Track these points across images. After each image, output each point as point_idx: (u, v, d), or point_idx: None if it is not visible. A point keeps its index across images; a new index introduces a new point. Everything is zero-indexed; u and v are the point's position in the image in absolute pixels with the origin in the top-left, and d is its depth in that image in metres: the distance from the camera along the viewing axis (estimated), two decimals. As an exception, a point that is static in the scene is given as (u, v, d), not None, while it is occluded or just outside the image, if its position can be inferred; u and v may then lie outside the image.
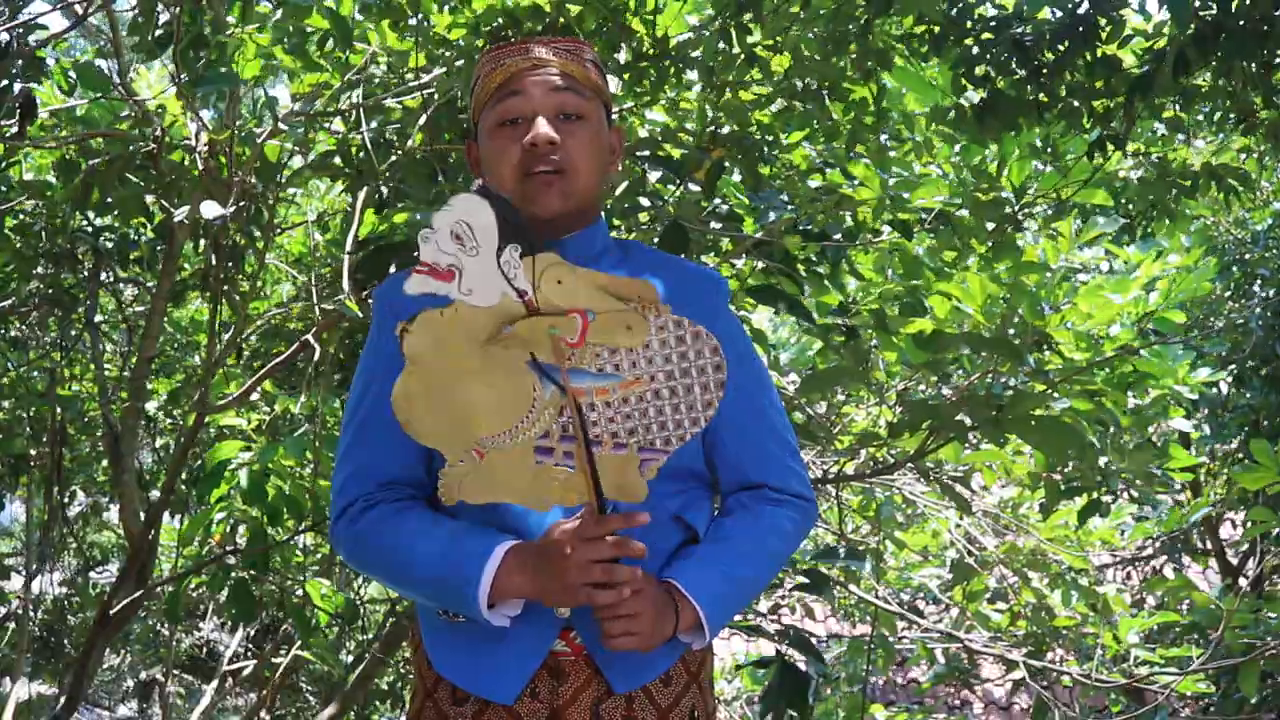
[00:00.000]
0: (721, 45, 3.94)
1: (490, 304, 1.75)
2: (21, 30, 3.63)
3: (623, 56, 3.98)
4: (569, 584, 1.80)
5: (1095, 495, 4.23)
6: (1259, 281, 7.67)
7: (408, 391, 1.78)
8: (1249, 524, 4.77)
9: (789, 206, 3.44)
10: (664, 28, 4.12)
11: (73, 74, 4.17)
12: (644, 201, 3.62)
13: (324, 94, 4.10)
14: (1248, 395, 7.36)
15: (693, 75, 4.19)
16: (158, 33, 3.76)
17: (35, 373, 5.56)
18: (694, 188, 3.59)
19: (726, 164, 3.58)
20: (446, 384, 1.77)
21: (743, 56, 3.93)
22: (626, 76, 3.96)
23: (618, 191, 3.58)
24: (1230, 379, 7.45)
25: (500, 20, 3.82)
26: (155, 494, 5.78)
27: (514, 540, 1.87)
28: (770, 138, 4.06)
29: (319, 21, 3.88)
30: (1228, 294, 7.78)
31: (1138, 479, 4.06)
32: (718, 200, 3.76)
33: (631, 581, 1.81)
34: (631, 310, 1.78)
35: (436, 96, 3.79)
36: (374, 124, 3.91)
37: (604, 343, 1.78)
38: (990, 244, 4.00)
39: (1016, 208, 3.95)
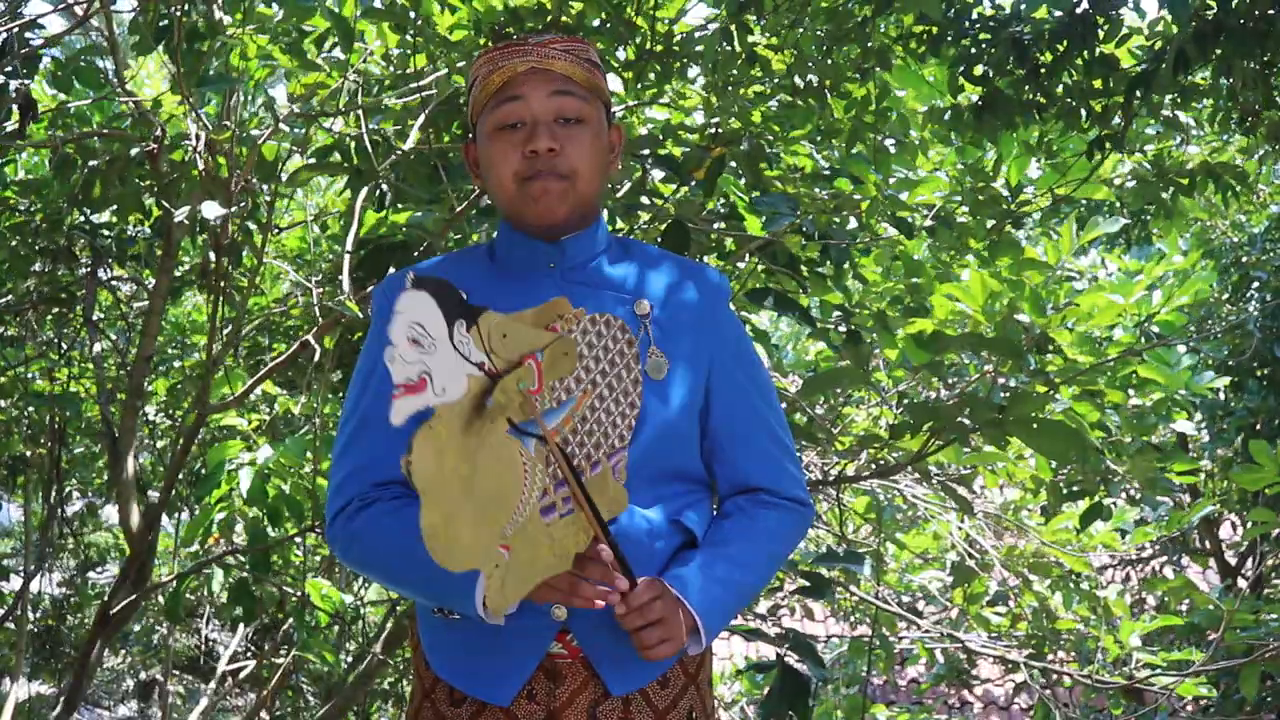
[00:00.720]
0: (723, 44, 3.94)
1: (462, 393, 1.75)
2: (19, 29, 3.62)
3: (626, 53, 3.97)
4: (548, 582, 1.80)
5: (1097, 499, 4.23)
6: (1256, 285, 7.68)
7: (432, 527, 1.75)
8: (1249, 525, 4.76)
9: (795, 212, 3.43)
10: (667, 23, 4.13)
11: (67, 72, 4.16)
12: (644, 200, 3.62)
13: (320, 93, 4.10)
14: (1245, 398, 7.36)
15: (695, 72, 4.19)
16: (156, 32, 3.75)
17: (32, 373, 5.55)
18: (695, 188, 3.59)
19: (732, 163, 3.57)
20: (461, 498, 1.76)
21: (743, 55, 3.92)
22: (628, 75, 3.96)
23: (620, 192, 3.57)
24: (1229, 382, 7.45)
25: (502, 18, 3.81)
26: (154, 495, 5.78)
27: None
28: (771, 137, 4.06)
29: (319, 21, 3.88)
30: (1225, 297, 7.78)
31: (1140, 483, 4.05)
32: (719, 200, 3.76)
33: (642, 589, 1.83)
34: (564, 336, 1.80)
35: (436, 96, 3.78)
36: (374, 123, 3.91)
37: (555, 376, 1.80)
38: (989, 242, 4.00)
39: (1013, 204, 3.94)
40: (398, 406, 1.72)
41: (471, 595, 1.83)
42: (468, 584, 1.83)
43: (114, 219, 4.73)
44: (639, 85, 4.05)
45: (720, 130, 3.79)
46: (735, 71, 3.98)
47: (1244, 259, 7.78)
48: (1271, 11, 3.85)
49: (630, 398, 1.84)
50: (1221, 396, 7.53)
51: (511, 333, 1.78)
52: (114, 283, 5.36)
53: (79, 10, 3.92)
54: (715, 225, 3.61)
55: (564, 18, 3.78)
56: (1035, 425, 3.35)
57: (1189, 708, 6.48)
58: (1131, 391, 3.91)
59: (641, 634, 1.82)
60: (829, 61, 4.14)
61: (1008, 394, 3.57)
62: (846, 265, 3.84)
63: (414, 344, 1.73)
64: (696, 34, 4.09)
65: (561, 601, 1.82)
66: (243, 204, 3.85)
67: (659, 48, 4.01)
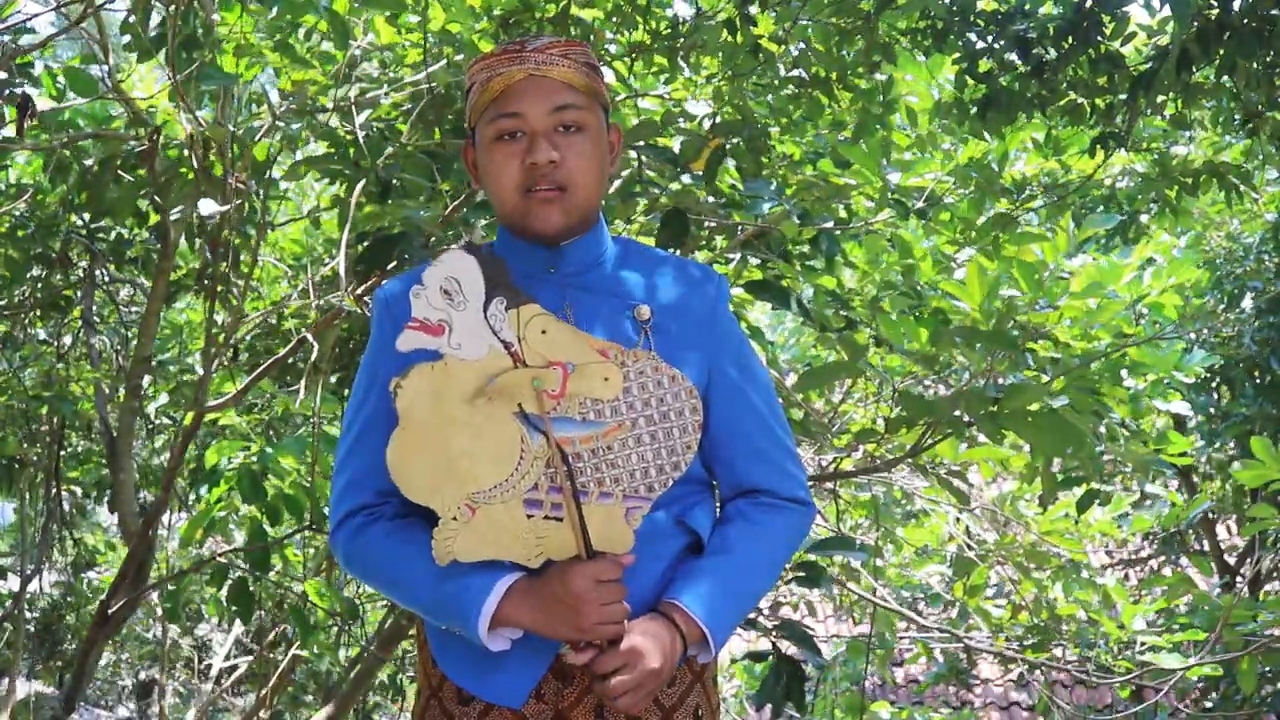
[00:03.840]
0: (727, 35, 3.94)
1: (479, 357, 1.82)
2: (11, 35, 3.63)
3: (624, 39, 3.97)
4: (583, 626, 1.83)
5: (1092, 486, 4.23)
6: (1250, 295, 7.68)
7: (402, 448, 1.84)
8: (1248, 522, 4.77)
9: (780, 198, 3.43)
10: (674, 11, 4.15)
11: (61, 79, 4.17)
12: (639, 191, 3.61)
13: (312, 89, 4.10)
14: (1243, 402, 7.37)
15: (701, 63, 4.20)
16: (152, 34, 3.76)
17: (29, 372, 5.55)
18: (688, 179, 3.59)
19: (727, 150, 3.57)
20: (439, 438, 1.83)
21: (748, 48, 3.93)
22: (626, 65, 3.96)
23: (615, 185, 3.57)
24: (1224, 385, 7.47)
25: (510, 6, 3.81)
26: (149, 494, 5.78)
27: (516, 576, 1.88)
28: (776, 129, 4.06)
29: (310, 19, 3.89)
30: (1221, 307, 7.78)
31: (1134, 469, 4.05)
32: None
33: (615, 658, 1.85)
34: (609, 363, 1.84)
35: (430, 91, 3.78)
36: (365, 116, 3.90)
37: (583, 393, 1.83)
38: (990, 227, 4.00)
39: (1017, 200, 3.94)
40: (407, 335, 1.81)
41: (474, 620, 1.85)
42: (471, 609, 1.86)
43: (110, 222, 4.74)
44: (649, 70, 4.05)
45: (719, 120, 3.79)
46: (739, 62, 3.98)
47: (1239, 270, 7.78)
48: (1274, 11, 3.86)
49: (675, 459, 1.87)
50: (1215, 396, 7.54)
51: (553, 333, 1.84)
52: (111, 286, 5.37)
53: (70, 13, 3.92)
54: (713, 214, 3.61)
55: (573, 7, 3.78)
56: (1031, 418, 3.36)
57: (1189, 708, 6.47)
58: (1125, 373, 3.91)
59: (615, 702, 1.86)
60: (841, 53, 4.14)
61: (1003, 387, 3.56)
62: (837, 255, 3.84)
63: (445, 294, 1.81)
64: (702, 23, 4.09)
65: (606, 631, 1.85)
66: (238, 203, 3.84)
67: (666, 30, 4.01)
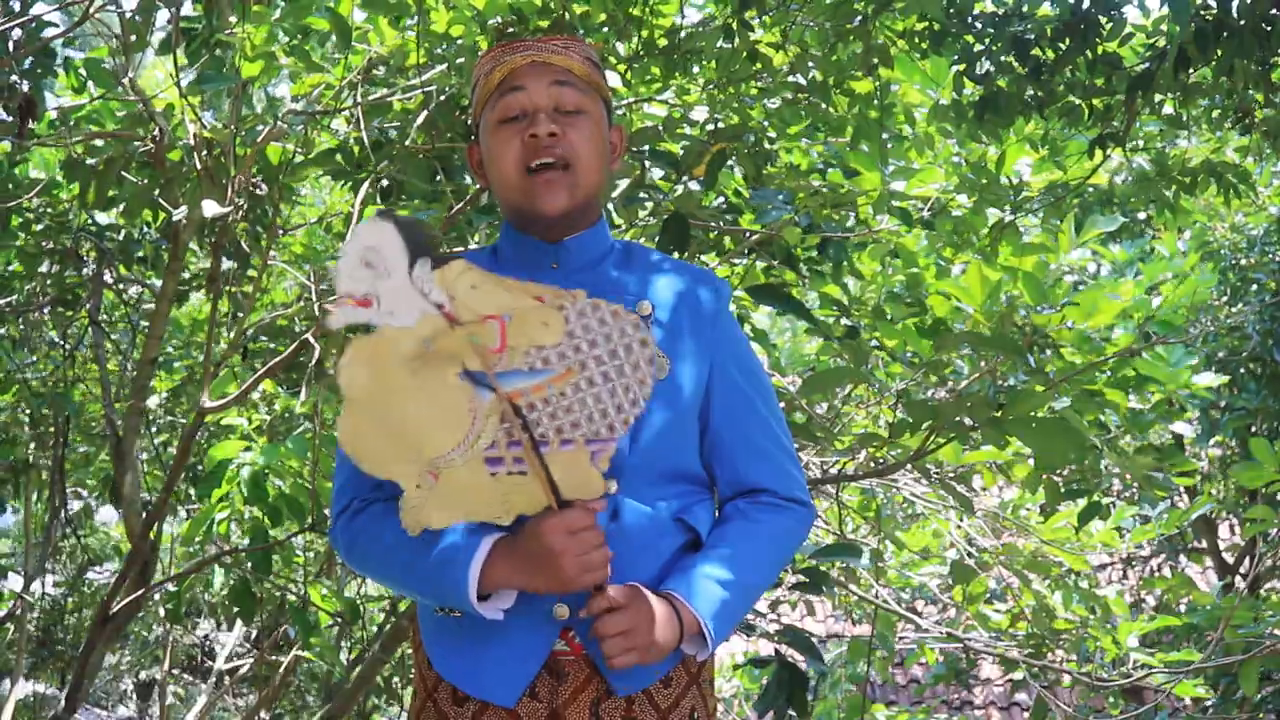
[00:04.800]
0: (724, 41, 3.94)
1: (412, 322, 1.76)
2: (33, 25, 3.62)
3: (627, 49, 3.98)
4: (567, 578, 1.81)
5: (1094, 498, 4.23)
6: (1255, 286, 7.68)
7: (353, 428, 1.79)
8: (1247, 523, 4.77)
9: (789, 206, 3.43)
10: (670, 19, 4.14)
11: (83, 71, 4.16)
12: (643, 196, 3.62)
13: (325, 94, 4.10)
14: (1244, 397, 7.37)
15: (697, 68, 4.20)
16: (159, 35, 3.76)
17: (37, 373, 5.56)
18: (694, 185, 3.59)
19: (729, 156, 3.57)
20: (388, 411, 1.79)
21: (745, 53, 3.93)
22: (624, 70, 3.96)
23: (619, 190, 3.58)
24: (1226, 381, 7.47)
25: (505, 17, 3.82)
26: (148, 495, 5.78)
27: (496, 535, 1.87)
28: (774, 135, 4.06)
29: (320, 23, 3.89)
30: (1224, 299, 7.79)
31: (1138, 482, 4.05)
32: (717, 197, 3.76)
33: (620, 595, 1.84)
34: (547, 306, 1.78)
35: (436, 93, 3.79)
36: (375, 123, 3.91)
37: (525, 343, 1.78)
38: (992, 238, 4.01)
39: (1014, 200, 3.94)
40: (340, 312, 1.74)
41: (467, 592, 1.85)
42: (461, 574, 1.84)
43: (121, 220, 4.74)
44: (644, 79, 4.05)
45: (721, 126, 3.80)
46: (736, 68, 3.99)
47: (1243, 261, 7.79)
48: (1272, 11, 3.87)
49: (632, 394, 1.81)
50: (1217, 391, 7.54)
51: (482, 287, 1.78)
52: (120, 285, 5.37)
53: (80, 11, 3.92)
54: (715, 220, 3.61)
55: (567, 15, 3.78)
56: (1034, 424, 3.35)
57: (1188, 709, 6.48)
58: (1132, 393, 3.91)
59: (605, 642, 1.83)
60: (833, 58, 4.14)
61: (1006, 393, 3.56)
62: (844, 262, 3.84)
63: (367, 266, 1.74)
64: (699, 30, 4.09)
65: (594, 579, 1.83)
66: (241, 204, 3.84)
67: (662, 41, 4.02)
